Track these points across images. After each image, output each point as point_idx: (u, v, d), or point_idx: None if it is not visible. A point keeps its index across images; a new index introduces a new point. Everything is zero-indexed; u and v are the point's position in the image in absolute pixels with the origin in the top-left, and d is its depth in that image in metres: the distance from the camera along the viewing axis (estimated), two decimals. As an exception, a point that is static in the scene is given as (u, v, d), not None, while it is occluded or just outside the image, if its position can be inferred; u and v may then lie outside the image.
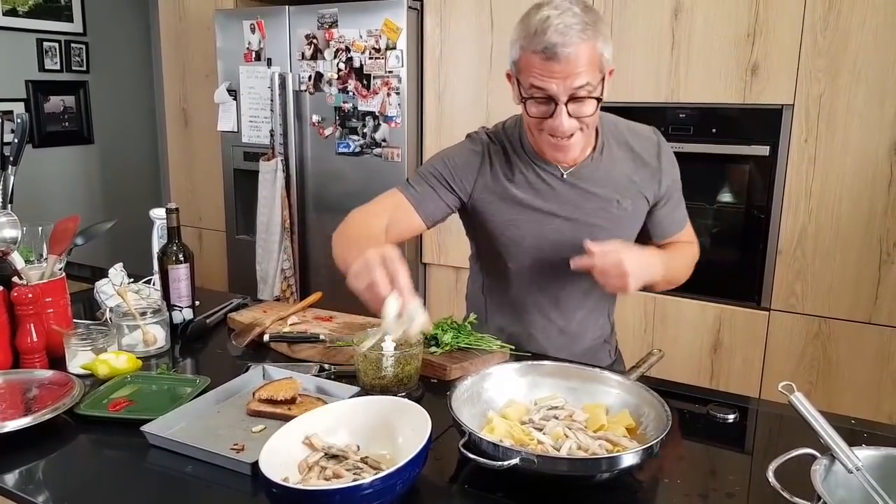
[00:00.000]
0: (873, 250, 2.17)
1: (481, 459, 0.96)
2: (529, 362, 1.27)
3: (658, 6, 2.34)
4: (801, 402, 0.86)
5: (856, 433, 1.18)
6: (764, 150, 2.25)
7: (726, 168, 2.34)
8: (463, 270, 2.88)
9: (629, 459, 0.96)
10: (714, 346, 2.42)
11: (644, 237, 1.47)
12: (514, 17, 2.52)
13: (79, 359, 1.40)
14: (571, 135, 1.26)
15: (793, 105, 2.20)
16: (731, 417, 1.25)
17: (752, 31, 2.21)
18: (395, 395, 1.26)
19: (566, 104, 1.20)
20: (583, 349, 1.53)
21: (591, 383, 1.22)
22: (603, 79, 1.23)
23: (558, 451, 1.03)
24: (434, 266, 2.96)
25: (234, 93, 3.12)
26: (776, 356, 2.35)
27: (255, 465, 1.00)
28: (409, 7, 2.68)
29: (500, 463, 0.95)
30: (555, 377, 1.24)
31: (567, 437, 1.05)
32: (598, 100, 1.22)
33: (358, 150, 2.85)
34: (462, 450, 0.98)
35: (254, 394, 1.24)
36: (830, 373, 2.28)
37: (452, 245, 2.87)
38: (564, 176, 1.38)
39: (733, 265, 2.38)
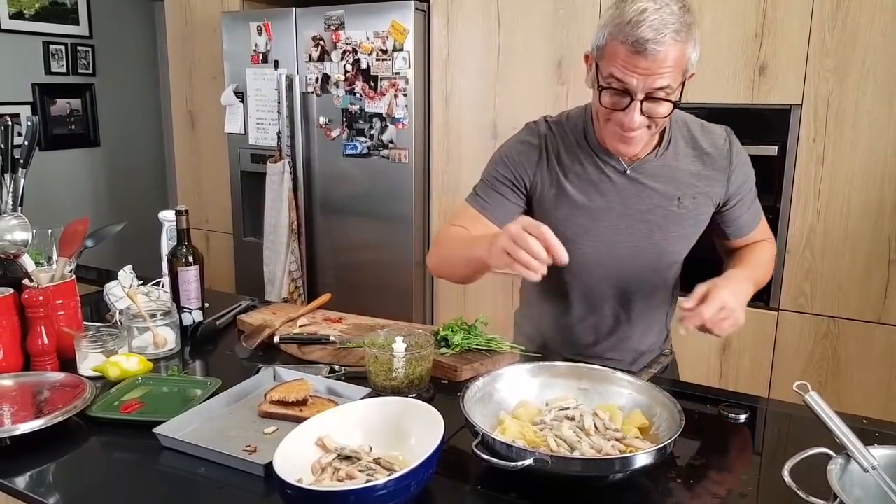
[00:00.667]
0: (882, 250, 2.16)
1: (494, 460, 0.96)
2: (541, 363, 1.27)
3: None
4: (815, 401, 0.86)
5: (867, 432, 1.17)
6: (772, 150, 2.24)
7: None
8: (470, 271, 2.87)
9: (642, 460, 0.95)
10: (723, 346, 2.41)
11: (718, 237, 1.45)
12: (520, 18, 2.56)
13: (89, 361, 1.40)
14: (639, 130, 1.22)
15: (801, 105, 2.20)
16: (742, 417, 1.24)
17: (759, 30, 2.21)
18: (407, 397, 1.26)
19: (641, 101, 1.17)
20: (636, 354, 1.50)
21: (603, 384, 1.21)
22: (683, 82, 1.19)
23: (571, 451, 1.03)
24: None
25: (240, 95, 3.13)
26: (785, 356, 2.34)
27: (267, 466, 1.01)
28: (417, 9, 2.68)
29: (513, 464, 0.94)
30: (567, 378, 1.24)
31: (580, 439, 1.05)
32: (675, 104, 1.19)
33: (365, 151, 2.86)
34: (475, 450, 0.98)
35: (265, 395, 1.24)
36: (839, 373, 2.27)
37: (459, 246, 2.86)
38: (627, 171, 1.33)
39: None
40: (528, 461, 0.93)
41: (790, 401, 1.37)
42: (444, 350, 1.47)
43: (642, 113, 1.18)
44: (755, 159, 2.25)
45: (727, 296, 1.18)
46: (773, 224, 2.30)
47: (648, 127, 1.22)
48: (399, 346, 1.29)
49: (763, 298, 2.36)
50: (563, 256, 1.08)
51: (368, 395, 1.25)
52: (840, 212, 2.20)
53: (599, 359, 1.46)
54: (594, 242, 1.38)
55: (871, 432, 1.18)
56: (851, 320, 2.24)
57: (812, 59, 2.16)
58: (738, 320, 1.20)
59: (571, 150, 1.36)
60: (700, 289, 1.20)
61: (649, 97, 1.16)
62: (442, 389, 1.37)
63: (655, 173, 1.34)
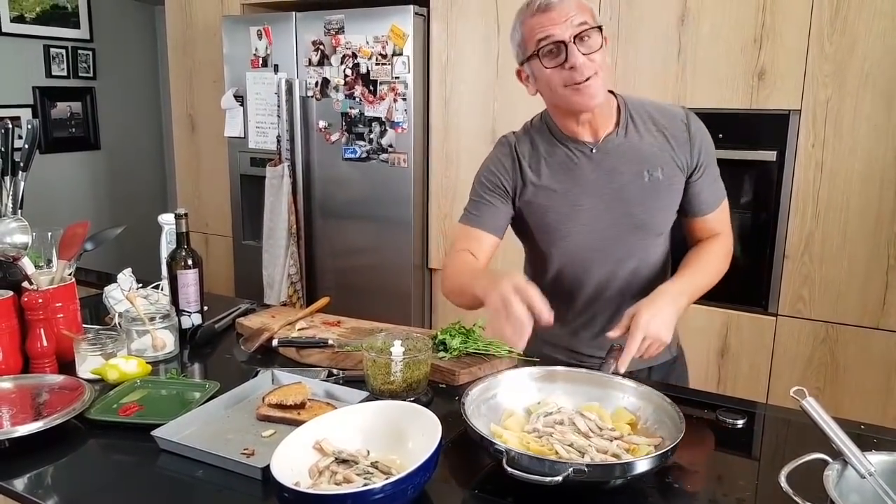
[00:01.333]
0: (881, 255, 2.16)
1: (531, 476, 0.93)
2: (540, 368, 1.28)
3: (664, 12, 2.34)
4: (812, 406, 0.86)
5: (864, 438, 1.18)
6: (771, 156, 2.25)
7: (733, 173, 2.34)
8: (469, 275, 2.88)
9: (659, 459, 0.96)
10: (721, 351, 2.42)
11: (683, 214, 1.47)
12: (520, 22, 2.56)
13: (88, 363, 1.40)
14: (588, 78, 1.30)
15: (800, 110, 2.20)
16: (739, 422, 1.25)
17: (758, 36, 2.22)
18: (404, 400, 1.26)
19: (574, 42, 1.27)
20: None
21: (603, 389, 1.22)
22: (600, 28, 1.30)
23: (582, 456, 1.03)
24: (440, 271, 2.96)
25: (240, 99, 3.14)
26: (783, 361, 2.34)
27: (265, 469, 1.01)
28: (416, 13, 2.69)
29: (550, 479, 0.91)
30: (564, 382, 1.24)
31: (590, 443, 1.06)
32: (600, 29, 1.29)
33: (364, 155, 2.86)
34: (508, 468, 0.95)
35: (263, 398, 1.24)
36: (838, 378, 2.27)
37: (458, 250, 2.86)
38: (594, 150, 1.41)
39: (740, 270, 2.36)
40: (567, 472, 0.91)
41: (787, 406, 1.38)
42: (442, 354, 1.47)
43: (582, 54, 1.28)
44: (753, 164, 2.28)
45: (648, 320, 1.25)
46: (772, 229, 2.30)
47: (596, 75, 1.30)
48: (397, 349, 1.30)
49: (761, 303, 2.36)
50: (545, 316, 1.15)
51: (366, 399, 1.25)
52: (838, 217, 2.20)
53: (601, 355, 1.47)
54: (578, 227, 1.44)
55: (869, 438, 1.19)
56: (850, 326, 2.24)
57: (811, 65, 2.16)
58: (662, 342, 1.28)
59: (540, 147, 1.45)
60: (626, 316, 1.29)
61: (578, 38, 1.27)
62: (440, 393, 1.37)
63: (620, 152, 1.41)
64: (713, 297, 1.56)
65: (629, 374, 1.30)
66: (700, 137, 1.43)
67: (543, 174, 1.44)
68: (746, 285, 2.37)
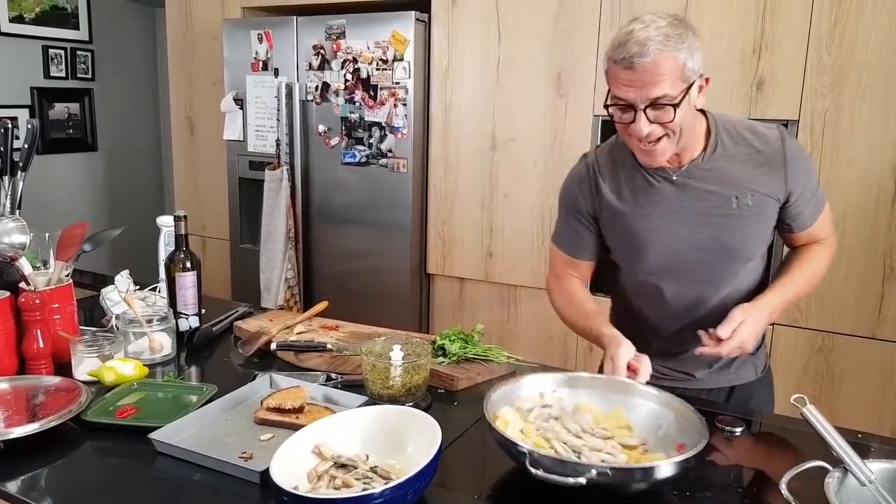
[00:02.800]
0: (877, 266, 2.17)
1: (553, 477, 0.94)
2: (567, 374, 1.27)
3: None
4: (813, 414, 0.86)
5: (861, 447, 1.18)
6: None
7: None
8: (467, 282, 2.88)
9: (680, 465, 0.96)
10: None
11: (783, 231, 1.44)
12: (520, 30, 2.58)
13: (85, 365, 1.40)
14: (658, 140, 1.27)
15: (798, 120, 2.21)
16: (738, 431, 1.25)
17: (757, 46, 2.23)
18: (404, 405, 1.26)
19: (644, 110, 1.23)
20: (722, 363, 1.49)
21: (625, 395, 1.21)
22: (689, 87, 1.23)
23: (578, 456, 1.04)
24: (438, 277, 2.96)
25: (240, 102, 3.13)
26: (780, 370, 2.33)
27: (264, 473, 1.00)
28: (417, 19, 2.69)
29: (574, 479, 0.92)
30: (590, 388, 1.24)
31: (583, 441, 1.06)
32: (676, 107, 1.23)
33: (364, 160, 2.86)
34: (531, 469, 0.96)
35: (261, 402, 1.24)
36: (833, 387, 2.28)
37: (457, 256, 2.87)
38: (674, 178, 1.37)
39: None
40: (591, 474, 0.92)
41: (784, 414, 1.38)
42: (441, 359, 1.47)
43: (651, 122, 1.24)
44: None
45: (748, 330, 1.29)
46: (769, 238, 2.31)
47: (667, 136, 1.27)
48: (397, 354, 1.30)
49: (758, 312, 2.36)
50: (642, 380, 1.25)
51: (365, 404, 1.25)
52: (835, 227, 2.20)
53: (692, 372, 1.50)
54: (658, 251, 1.40)
55: (866, 447, 1.19)
56: (846, 335, 2.24)
57: (809, 76, 2.18)
58: (745, 349, 1.32)
59: (622, 168, 1.42)
60: (735, 317, 1.30)
61: (652, 106, 1.23)
62: (439, 398, 1.37)
63: (705, 176, 1.36)
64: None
65: (710, 391, 1.40)
66: (796, 160, 1.37)
67: (624, 197, 1.41)
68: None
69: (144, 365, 1.43)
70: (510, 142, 2.68)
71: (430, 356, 1.35)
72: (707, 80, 1.28)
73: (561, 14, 2.52)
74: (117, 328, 1.55)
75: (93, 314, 1.82)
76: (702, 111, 1.35)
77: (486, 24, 2.66)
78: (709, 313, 1.42)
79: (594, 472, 0.92)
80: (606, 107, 1.29)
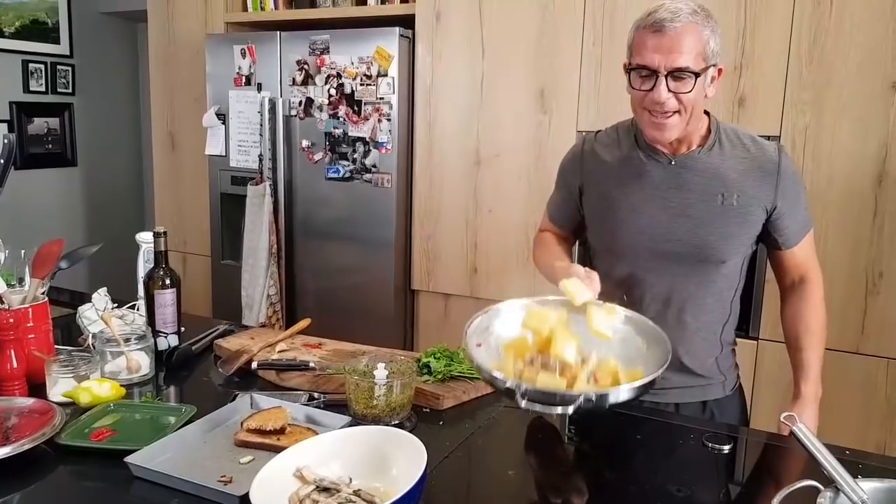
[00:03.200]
0: (859, 281, 2.19)
1: (547, 407, 1.06)
2: (532, 300, 1.32)
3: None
4: (804, 433, 0.85)
5: (849, 464, 1.17)
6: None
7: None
8: (452, 298, 2.87)
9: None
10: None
11: (770, 246, 1.46)
12: (504, 48, 2.59)
13: (60, 386, 1.36)
14: (669, 114, 1.30)
15: (779, 136, 2.24)
16: (725, 448, 1.24)
17: (739, 63, 2.25)
18: (388, 425, 1.24)
19: (666, 77, 1.26)
20: (689, 369, 1.46)
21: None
22: (707, 69, 1.29)
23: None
24: (423, 293, 2.94)
25: (222, 117, 3.11)
26: (766, 386, 2.35)
27: (243, 497, 0.97)
28: (402, 35, 2.70)
29: (563, 408, 1.04)
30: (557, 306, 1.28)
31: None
32: (697, 76, 1.27)
33: (348, 175, 2.85)
34: (525, 405, 1.07)
35: (242, 423, 1.21)
36: (819, 403, 2.27)
37: (441, 272, 2.85)
38: (672, 161, 1.39)
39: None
40: (579, 402, 1.04)
41: (772, 430, 1.37)
42: (426, 377, 1.45)
43: (670, 90, 1.27)
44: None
45: (812, 422, 1.50)
46: (753, 253, 2.31)
47: (679, 113, 1.30)
48: (381, 373, 1.27)
49: (743, 328, 2.36)
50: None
51: (349, 424, 1.23)
52: (817, 242, 2.20)
53: None
54: (632, 234, 1.42)
55: (854, 463, 1.18)
56: (830, 350, 2.23)
57: (790, 93, 2.20)
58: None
59: (620, 146, 1.47)
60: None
61: (672, 75, 1.26)
62: (424, 418, 1.34)
63: (699, 168, 1.38)
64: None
65: (679, 405, 1.45)
66: (789, 173, 1.39)
67: (612, 172, 1.45)
68: (728, 309, 2.37)
69: (121, 385, 1.39)
70: (494, 158, 2.68)
71: (414, 374, 1.33)
72: (720, 71, 1.33)
73: (544, 31, 2.53)
74: (94, 347, 1.51)
75: (69, 333, 1.77)
76: (706, 112, 1.39)
77: (469, 41, 2.67)
78: (677, 311, 1.43)
79: (582, 398, 1.04)
80: (628, 72, 1.33)
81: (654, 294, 1.43)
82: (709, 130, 1.41)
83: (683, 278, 1.42)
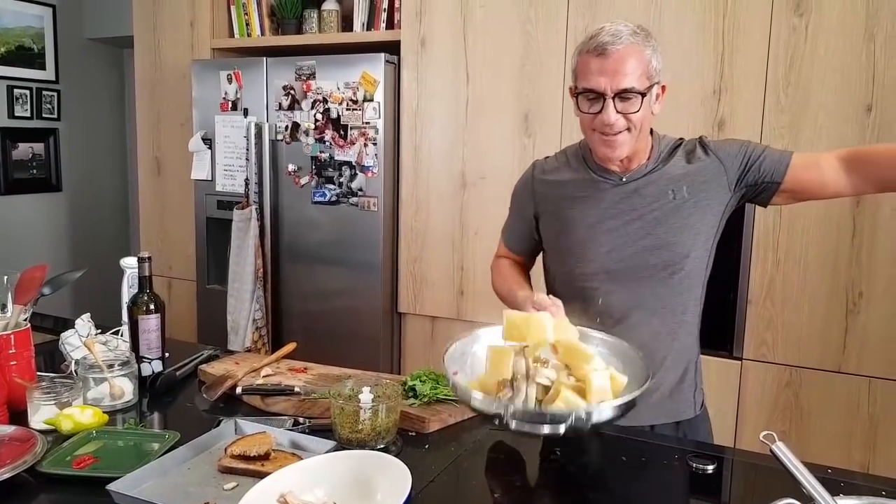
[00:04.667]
0: (840, 300, 2.22)
1: (537, 427, 1.05)
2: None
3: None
4: (783, 452, 0.86)
5: (831, 482, 1.18)
6: (768, 205, 2.29)
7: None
8: (439, 320, 2.87)
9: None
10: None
11: (788, 194, 1.39)
12: (488, 72, 2.63)
13: (42, 413, 1.35)
14: (619, 132, 1.34)
15: (758, 159, 2.27)
16: (710, 468, 1.24)
17: (717, 87, 2.30)
18: (373, 449, 1.23)
19: (613, 98, 1.30)
20: (662, 396, 1.46)
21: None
22: (651, 87, 1.33)
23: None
24: (410, 316, 2.94)
25: (208, 141, 3.12)
26: (750, 406, 2.36)
27: (227, 524, 0.97)
28: (387, 61, 2.73)
29: (553, 427, 1.03)
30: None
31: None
32: (643, 96, 1.31)
33: (334, 199, 2.86)
34: (514, 421, 1.05)
35: (226, 449, 1.20)
36: (803, 422, 2.30)
37: (428, 295, 2.86)
38: (623, 179, 1.44)
39: (706, 315, 2.39)
40: (570, 421, 1.03)
41: (755, 450, 1.38)
42: (411, 400, 1.44)
43: (618, 111, 1.31)
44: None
45: None
46: (736, 274, 2.35)
47: (629, 130, 1.34)
48: (366, 396, 1.27)
49: (727, 348, 2.39)
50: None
51: (334, 449, 1.22)
52: (798, 263, 2.26)
53: None
54: (594, 248, 1.44)
55: (836, 482, 1.19)
56: (812, 369, 2.27)
57: (768, 116, 2.24)
58: None
59: (569, 171, 1.51)
60: None
61: (619, 96, 1.30)
62: (409, 441, 1.34)
63: (649, 179, 1.43)
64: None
65: (653, 427, 1.42)
66: (723, 146, 1.42)
67: (566, 194, 1.48)
68: (712, 330, 2.38)
69: (104, 412, 1.38)
70: (480, 181, 2.71)
71: (400, 398, 1.33)
72: (664, 88, 1.38)
73: (527, 56, 2.57)
74: (76, 374, 1.50)
75: (52, 359, 1.76)
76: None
77: (454, 67, 2.70)
78: (644, 325, 1.43)
79: (573, 417, 1.02)
80: (575, 97, 1.36)
81: (620, 308, 1.44)
82: (653, 146, 1.46)
83: (649, 288, 1.43)
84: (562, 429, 1.02)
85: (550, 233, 1.53)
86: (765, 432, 0.88)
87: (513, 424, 1.06)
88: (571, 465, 1.30)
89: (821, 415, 2.28)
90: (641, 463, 1.30)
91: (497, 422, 1.09)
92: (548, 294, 1.55)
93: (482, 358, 1.28)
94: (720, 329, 2.38)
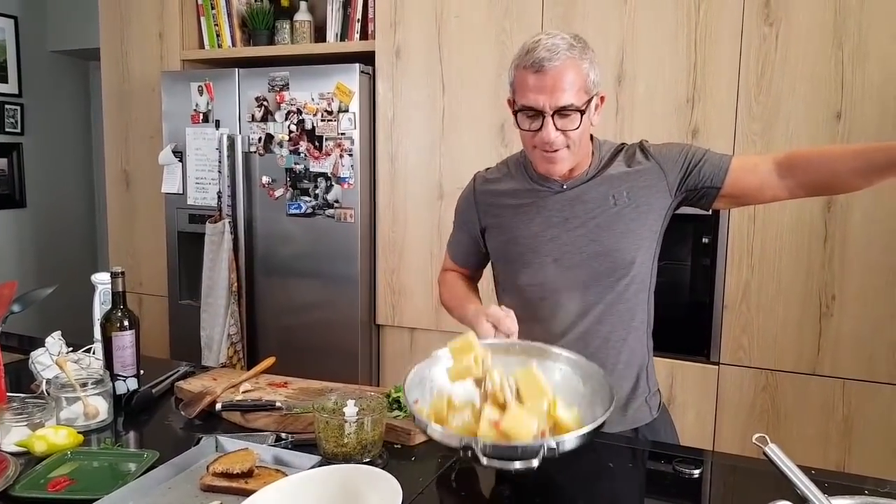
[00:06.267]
0: (813, 303, 2.25)
1: (508, 463, 1.00)
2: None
3: (601, 73, 2.43)
4: (776, 454, 0.87)
5: (815, 483, 1.19)
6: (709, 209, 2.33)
7: (671, 226, 2.40)
8: (418, 331, 2.85)
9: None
10: (668, 401, 2.44)
11: (725, 195, 1.39)
12: (464, 83, 2.63)
13: (13, 435, 1.30)
14: (559, 150, 1.34)
15: (731, 166, 2.30)
16: (696, 472, 1.24)
17: (691, 96, 2.33)
18: (359, 463, 1.21)
19: (552, 116, 1.30)
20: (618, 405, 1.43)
21: (540, 360, 1.26)
22: (590, 101, 1.33)
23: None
24: (388, 328, 2.92)
25: (179, 154, 3.07)
26: (727, 409, 2.38)
27: (213, 545, 0.94)
28: (362, 71, 2.72)
29: (525, 461, 0.99)
30: (502, 355, 1.26)
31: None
32: (582, 112, 1.31)
33: (310, 211, 2.83)
34: (485, 459, 1.01)
35: (207, 467, 1.17)
36: (780, 424, 2.32)
37: (407, 306, 2.84)
38: (564, 186, 1.44)
39: (683, 320, 2.43)
40: (542, 453, 0.99)
41: (733, 452, 1.38)
42: (396, 413, 1.43)
43: (557, 129, 1.31)
44: (690, 218, 2.35)
45: None
46: (711, 279, 2.37)
47: (568, 147, 1.35)
48: (350, 409, 1.25)
49: (704, 352, 2.41)
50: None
51: (319, 464, 1.20)
52: (772, 268, 2.29)
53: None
54: (540, 258, 1.45)
55: (820, 482, 1.20)
56: (788, 373, 2.30)
57: (740, 124, 2.28)
58: None
59: (512, 181, 1.50)
60: None
61: (559, 113, 1.30)
62: (395, 454, 1.32)
63: (590, 185, 1.44)
64: (658, 346, 1.58)
65: (612, 435, 1.37)
66: (664, 151, 1.43)
67: (508, 205, 1.48)
68: (689, 335, 2.42)
69: (79, 432, 1.34)
70: (457, 191, 2.67)
71: (385, 410, 1.32)
72: (603, 98, 1.38)
73: (503, 67, 2.58)
74: (48, 394, 1.46)
75: (21, 379, 1.70)
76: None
77: (429, 77, 2.70)
78: (593, 333, 1.43)
79: (545, 448, 0.99)
80: (517, 114, 1.35)
81: (569, 317, 1.45)
82: (593, 152, 1.46)
83: (597, 295, 1.43)
84: (535, 462, 0.98)
85: (496, 244, 1.53)
86: (757, 434, 0.88)
87: (484, 461, 1.02)
88: (561, 475, 1.29)
89: (797, 417, 2.30)
90: (629, 469, 1.29)
91: (462, 454, 1.04)
92: (499, 304, 1.55)
93: (444, 382, 1.24)
94: (697, 334, 2.41)
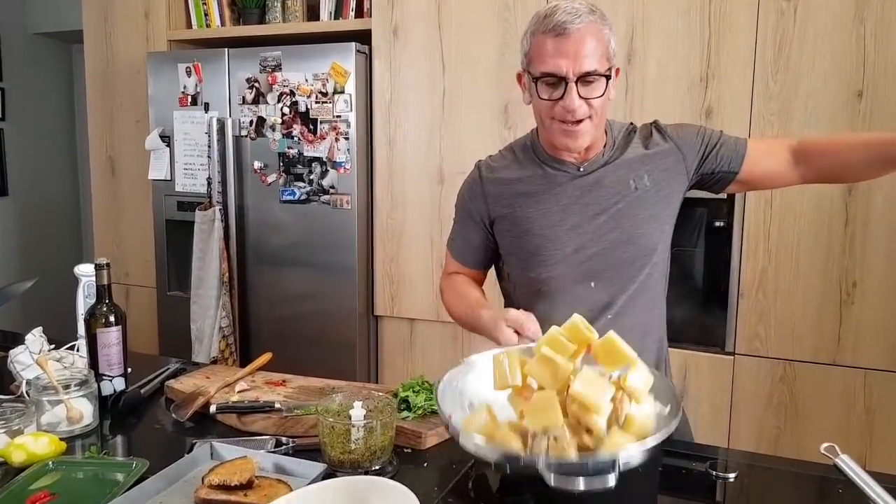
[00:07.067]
0: (833, 291, 2.17)
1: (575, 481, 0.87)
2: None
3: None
4: (848, 465, 0.77)
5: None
6: (721, 193, 2.24)
7: (684, 212, 2.31)
8: (417, 322, 2.75)
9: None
10: (680, 393, 2.35)
11: (746, 178, 1.35)
12: (465, 62, 2.52)
13: (-12, 444, 1.19)
14: (581, 120, 1.25)
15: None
16: (731, 476, 1.15)
17: (704, 75, 2.23)
18: (368, 470, 1.11)
19: (576, 83, 1.22)
20: None
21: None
22: (610, 69, 1.25)
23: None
24: (387, 318, 2.82)
25: (167, 139, 2.95)
26: (743, 401, 2.30)
27: (210, 572, 0.84)
28: (358, 51, 2.60)
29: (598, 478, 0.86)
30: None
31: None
32: (608, 78, 1.24)
33: (304, 197, 2.72)
34: (554, 476, 0.89)
35: (203, 478, 1.07)
36: (798, 416, 2.25)
37: (406, 297, 2.74)
38: (580, 169, 1.36)
39: (696, 310, 2.34)
40: (618, 467, 0.87)
41: (752, 448, 1.29)
42: (405, 413, 1.33)
43: (581, 97, 1.23)
44: (704, 202, 2.27)
45: None
46: (726, 267, 2.29)
47: (591, 118, 1.26)
48: (357, 412, 1.16)
49: (719, 343, 2.32)
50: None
51: (325, 472, 1.10)
52: (790, 254, 2.20)
53: None
54: (559, 248, 1.35)
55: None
56: (807, 363, 2.22)
57: (756, 103, 2.18)
58: None
59: (520, 167, 1.40)
60: None
61: (581, 80, 1.22)
62: (406, 459, 1.22)
63: (607, 168, 1.36)
64: (671, 338, 1.50)
65: None
66: (680, 132, 1.38)
67: (521, 193, 1.38)
68: (703, 325, 2.34)
69: (61, 439, 1.24)
70: (458, 175, 2.57)
71: (395, 412, 1.22)
72: (618, 71, 1.30)
73: (506, 44, 2.47)
74: (28, 396, 1.36)
75: (0, 379, 1.59)
76: None
77: (429, 56, 2.59)
78: (615, 326, 1.30)
79: (620, 461, 0.87)
80: (536, 82, 1.25)
81: (589, 310, 1.33)
82: (606, 132, 1.39)
83: (619, 286, 1.36)
84: (611, 480, 0.85)
85: (508, 237, 1.42)
86: (826, 444, 0.79)
87: (552, 481, 0.88)
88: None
89: (815, 409, 2.23)
90: (660, 473, 1.20)
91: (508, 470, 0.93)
92: (506, 303, 1.48)
93: (481, 392, 1.11)
94: (711, 324, 2.32)
